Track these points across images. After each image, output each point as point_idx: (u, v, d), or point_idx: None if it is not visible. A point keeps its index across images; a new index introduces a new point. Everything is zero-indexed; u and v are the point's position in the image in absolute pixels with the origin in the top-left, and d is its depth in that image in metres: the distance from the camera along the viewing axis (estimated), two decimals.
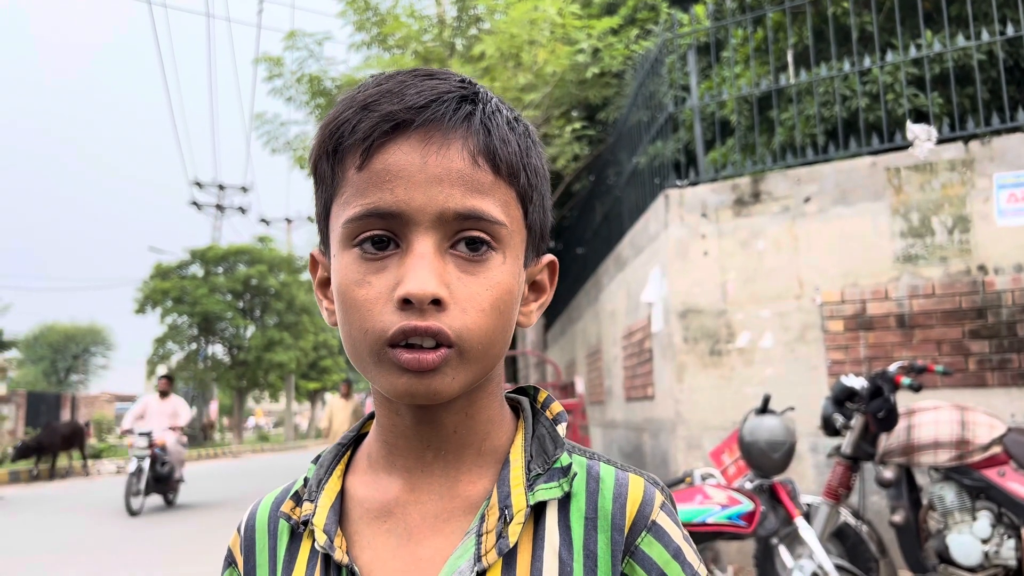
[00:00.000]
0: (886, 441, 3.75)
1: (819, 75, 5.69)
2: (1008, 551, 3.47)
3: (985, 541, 3.52)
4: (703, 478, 3.88)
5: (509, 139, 0.66)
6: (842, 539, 4.01)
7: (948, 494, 3.64)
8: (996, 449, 3.55)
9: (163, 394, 11.38)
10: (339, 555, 0.66)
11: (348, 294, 0.63)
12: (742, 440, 3.64)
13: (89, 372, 52.23)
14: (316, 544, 0.67)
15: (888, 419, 3.56)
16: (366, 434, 0.76)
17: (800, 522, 3.40)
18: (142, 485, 10.26)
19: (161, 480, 10.64)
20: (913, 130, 5.09)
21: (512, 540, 0.63)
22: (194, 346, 30.85)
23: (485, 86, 0.70)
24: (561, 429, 0.71)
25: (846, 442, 3.68)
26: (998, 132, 5.03)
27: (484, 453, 0.70)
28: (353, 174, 0.64)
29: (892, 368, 3.75)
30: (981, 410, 3.71)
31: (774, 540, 3.56)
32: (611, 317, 8.02)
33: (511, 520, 0.64)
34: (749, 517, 3.28)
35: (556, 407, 0.74)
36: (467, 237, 0.63)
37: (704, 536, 3.29)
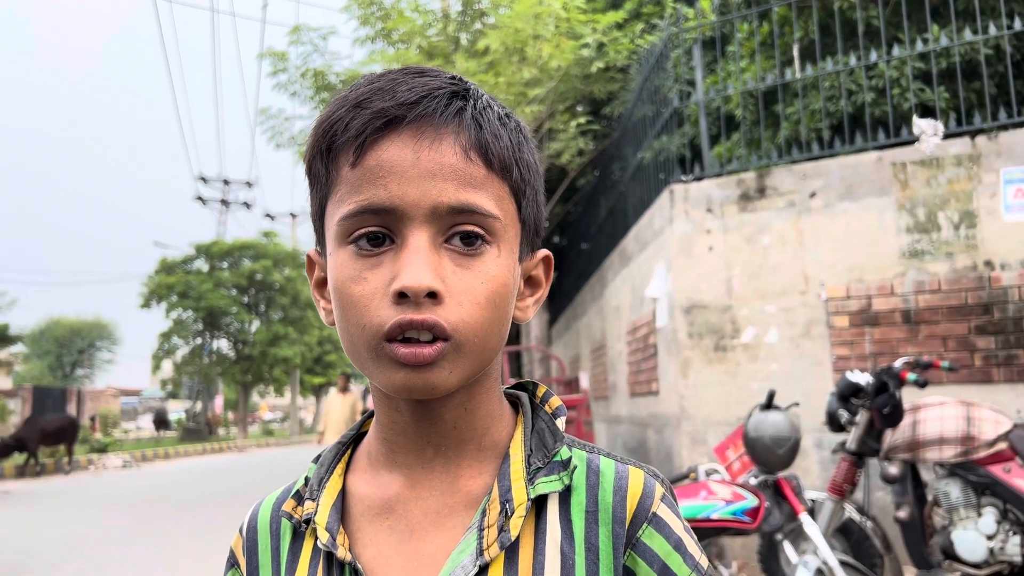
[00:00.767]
0: (891, 437, 3.74)
1: (825, 69, 5.67)
2: (1013, 547, 3.46)
3: (990, 537, 3.51)
4: (707, 474, 3.88)
5: (501, 134, 0.67)
6: (847, 535, 4.00)
7: (953, 490, 3.63)
8: (1002, 445, 3.54)
9: None
10: (342, 553, 0.66)
11: (344, 291, 0.64)
12: (747, 436, 3.63)
13: (95, 366, 52.41)
14: (319, 542, 0.67)
15: (893, 415, 3.55)
16: (366, 432, 0.77)
17: (804, 518, 3.39)
18: None
19: None
20: (919, 125, 5.07)
21: (514, 534, 0.64)
22: (199, 341, 30.94)
23: (476, 83, 0.70)
24: (560, 423, 0.72)
25: (851, 438, 3.68)
26: (1005, 127, 5.01)
27: (484, 448, 0.70)
28: (347, 172, 0.65)
29: (897, 364, 3.74)
30: (987, 406, 3.70)
31: (778, 536, 3.56)
32: (615, 312, 8.01)
33: (512, 514, 0.64)
34: (753, 513, 3.27)
35: (555, 401, 0.74)
36: (461, 231, 0.64)
37: (708, 532, 3.28)
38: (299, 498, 0.72)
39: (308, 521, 0.69)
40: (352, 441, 0.77)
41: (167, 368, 35.71)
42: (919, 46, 5.36)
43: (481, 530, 0.65)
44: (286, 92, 10.77)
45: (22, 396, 34.26)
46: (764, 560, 4.01)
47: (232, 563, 0.77)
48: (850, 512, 3.95)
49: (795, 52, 6.07)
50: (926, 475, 3.93)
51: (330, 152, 0.66)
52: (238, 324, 31.50)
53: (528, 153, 0.70)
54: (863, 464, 3.72)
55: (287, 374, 33.50)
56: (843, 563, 3.24)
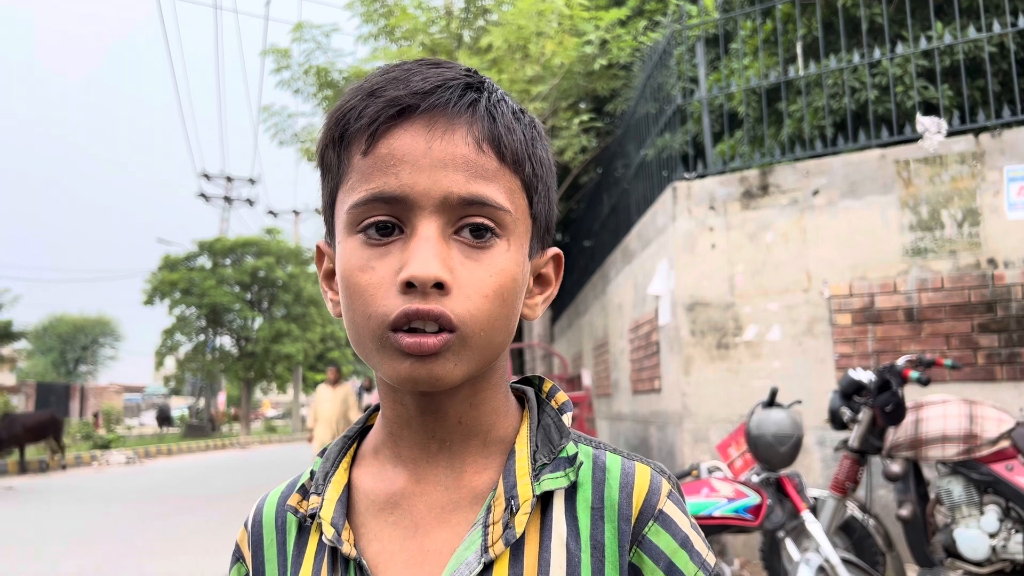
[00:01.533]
0: (894, 435, 3.74)
1: (828, 67, 5.66)
2: (1016, 545, 3.46)
3: (993, 535, 3.51)
4: (709, 471, 3.88)
5: (514, 127, 0.66)
6: (849, 533, 4.00)
7: (956, 488, 3.62)
8: (1004, 443, 3.54)
9: None
10: (347, 548, 0.66)
11: (351, 279, 0.63)
12: (749, 433, 3.63)
13: (98, 363, 52.54)
14: (324, 537, 0.67)
15: (896, 413, 3.55)
16: (371, 427, 0.76)
17: (807, 515, 3.39)
18: None
19: None
20: (923, 122, 5.06)
21: (519, 531, 0.63)
22: (202, 337, 30.98)
23: (492, 79, 0.69)
24: (566, 419, 0.71)
25: (853, 436, 3.67)
26: (1009, 125, 5.00)
27: (489, 443, 0.69)
28: (359, 160, 0.64)
29: (900, 362, 3.74)
30: (989, 404, 3.70)
31: (780, 533, 3.56)
32: (618, 310, 8.01)
33: (517, 510, 0.64)
34: (756, 510, 3.27)
35: (561, 397, 0.73)
36: (471, 223, 0.63)
37: (710, 529, 3.29)
38: (304, 492, 0.71)
39: (313, 516, 0.69)
40: (358, 435, 0.76)
41: (170, 365, 35.75)
42: (923, 43, 5.35)
43: (486, 527, 0.64)
44: (289, 89, 10.78)
45: (25, 392, 34.37)
46: (766, 558, 4.02)
47: (238, 557, 0.76)
48: (852, 510, 3.95)
49: (798, 49, 6.06)
50: (928, 473, 3.93)
51: (343, 140, 0.66)
52: (241, 321, 31.53)
53: (542, 150, 0.70)
54: (865, 462, 3.72)
55: (290, 371, 33.52)
56: (845, 561, 3.24)
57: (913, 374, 3.58)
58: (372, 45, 10.27)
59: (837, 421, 3.76)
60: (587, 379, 8.14)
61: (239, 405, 36.85)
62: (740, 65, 6.36)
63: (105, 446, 20.68)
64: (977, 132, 5.01)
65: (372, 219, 0.63)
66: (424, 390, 0.64)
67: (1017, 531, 3.48)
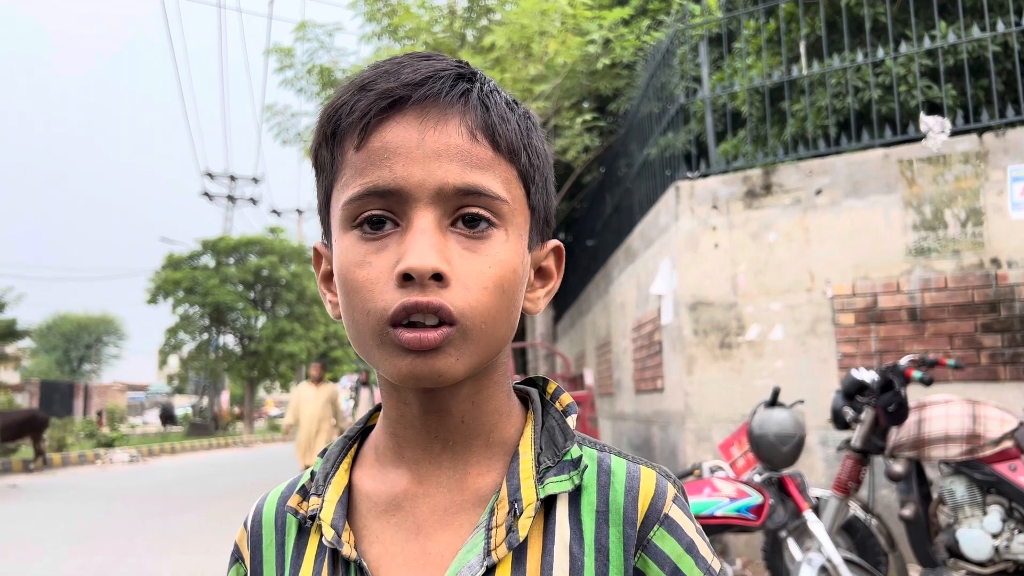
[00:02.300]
0: (896, 435, 3.73)
1: (832, 66, 5.65)
2: (1018, 546, 3.46)
3: (995, 536, 3.50)
4: (712, 471, 3.88)
5: (508, 117, 0.65)
6: (851, 532, 4.00)
7: (958, 488, 3.62)
8: (1007, 443, 3.53)
9: None
10: (347, 550, 0.65)
11: (348, 276, 0.62)
12: (751, 433, 3.63)
13: (101, 361, 52.64)
14: (324, 539, 0.66)
15: (899, 413, 3.54)
16: (372, 427, 0.75)
17: (809, 515, 3.39)
18: None
19: None
20: (926, 122, 5.05)
21: (522, 534, 0.62)
22: (205, 336, 30.98)
23: (484, 72, 0.69)
24: (571, 421, 0.70)
25: (856, 435, 3.67)
26: (1012, 124, 4.99)
27: (492, 445, 0.68)
28: (352, 155, 0.63)
29: (903, 362, 3.73)
30: (993, 404, 3.69)
31: (783, 533, 3.55)
32: (621, 309, 8.01)
33: (521, 514, 0.63)
34: (758, 510, 3.27)
35: (566, 398, 0.72)
36: (467, 214, 0.62)
37: (713, 529, 3.28)
38: (304, 493, 0.70)
39: (313, 517, 0.68)
40: (359, 436, 0.75)
41: (173, 363, 35.79)
42: (926, 43, 5.34)
43: (489, 530, 0.63)
44: (292, 88, 10.80)
45: (30, 391, 34.45)
46: (768, 557, 4.01)
47: (236, 558, 0.76)
48: (855, 510, 3.94)
49: (802, 49, 6.06)
50: (931, 473, 3.92)
51: (335, 137, 0.65)
52: (244, 320, 31.53)
53: (537, 140, 0.69)
54: (868, 462, 3.71)
55: (293, 370, 33.51)
56: (847, 561, 3.23)
57: (916, 374, 3.58)
58: (375, 44, 10.29)
59: (840, 421, 3.76)
60: (589, 378, 8.13)
61: (242, 404, 36.88)
62: (743, 64, 6.35)
63: (109, 444, 20.71)
64: (981, 132, 5.00)
65: (367, 214, 0.62)
66: (426, 386, 0.63)
67: (1020, 531, 3.48)
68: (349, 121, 0.63)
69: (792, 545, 3.50)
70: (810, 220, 5.31)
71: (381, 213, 0.62)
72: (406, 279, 0.59)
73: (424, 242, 0.60)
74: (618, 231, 8.45)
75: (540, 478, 0.65)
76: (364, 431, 0.76)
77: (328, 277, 0.71)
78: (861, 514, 3.95)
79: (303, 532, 0.70)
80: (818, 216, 5.29)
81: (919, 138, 5.13)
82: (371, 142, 0.62)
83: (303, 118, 11.33)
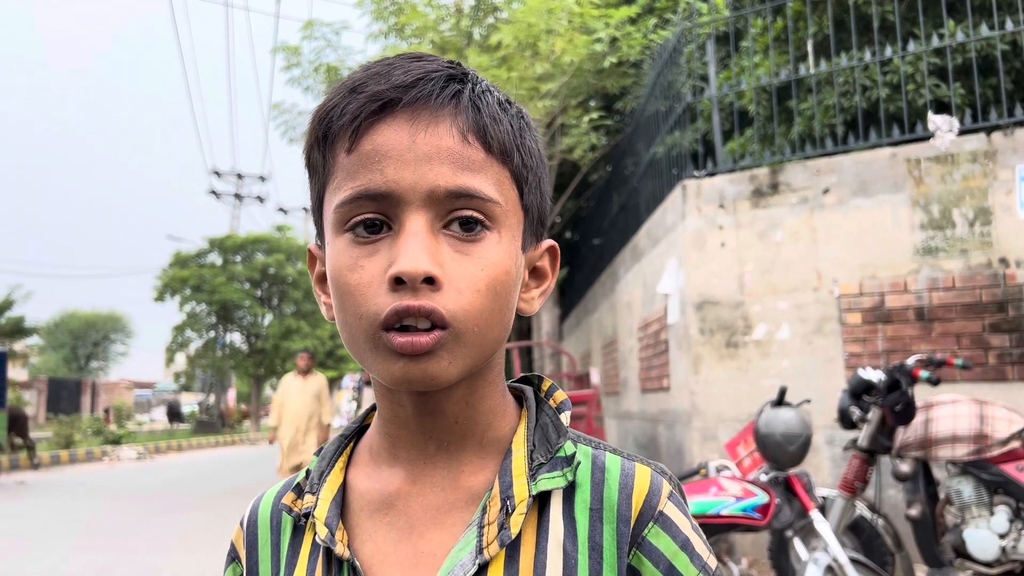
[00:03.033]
0: (903, 435, 3.72)
1: (839, 65, 5.63)
2: None
3: (1002, 536, 3.49)
4: (718, 470, 3.88)
5: (500, 118, 0.65)
6: (857, 532, 3.99)
7: (965, 488, 3.61)
8: (1015, 444, 3.52)
9: None
10: (340, 549, 0.65)
11: (341, 279, 0.62)
12: (758, 432, 3.62)
13: (109, 359, 52.82)
14: (317, 537, 0.66)
15: (905, 413, 3.53)
16: (368, 426, 0.75)
17: (815, 515, 3.38)
18: None
19: None
20: (934, 121, 5.03)
21: (514, 531, 0.62)
22: (212, 334, 31.09)
23: (488, 78, 0.68)
24: (565, 418, 0.70)
25: (863, 435, 3.66)
26: (1021, 123, 4.97)
27: (486, 444, 0.68)
28: (343, 158, 0.63)
29: (910, 361, 3.72)
30: (1000, 404, 3.68)
31: (789, 533, 3.55)
32: (627, 308, 8.00)
33: (513, 511, 0.63)
34: (764, 509, 3.27)
35: (560, 395, 0.72)
36: (460, 217, 0.62)
37: (718, 528, 3.28)
38: (299, 491, 0.70)
39: (308, 515, 0.68)
40: (355, 435, 0.75)
41: (180, 361, 35.87)
42: (935, 41, 5.32)
43: (481, 527, 0.63)
44: (299, 87, 10.83)
45: (37, 388, 34.59)
46: (774, 557, 4.00)
47: (233, 556, 0.75)
48: (861, 509, 3.93)
49: (809, 47, 6.04)
50: (938, 473, 3.91)
51: (327, 139, 0.65)
52: (251, 318, 31.62)
53: (530, 139, 0.68)
54: (875, 461, 3.70)
55: None
56: (854, 561, 3.23)
57: (923, 374, 3.57)
58: (382, 43, 10.30)
59: (846, 420, 3.75)
60: (595, 377, 8.12)
61: (249, 401, 36.99)
62: (750, 63, 6.33)
63: (116, 442, 20.80)
64: (989, 131, 4.98)
65: (359, 217, 0.62)
66: (419, 390, 0.62)
67: None
68: (340, 124, 0.63)
69: (798, 545, 3.50)
70: (817, 219, 5.30)
71: (373, 216, 0.62)
72: (398, 283, 0.59)
73: (416, 245, 0.59)
74: (624, 230, 8.44)
75: (533, 475, 0.65)
76: (360, 430, 0.76)
77: (322, 279, 0.71)
78: (867, 514, 3.94)
79: (298, 531, 0.70)
80: (825, 215, 5.27)
81: (927, 137, 5.11)
82: (362, 145, 0.62)
83: (310, 116, 11.38)
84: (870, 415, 3.65)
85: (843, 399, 3.77)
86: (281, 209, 35.60)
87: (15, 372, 32.60)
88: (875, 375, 3.68)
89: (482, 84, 0.66)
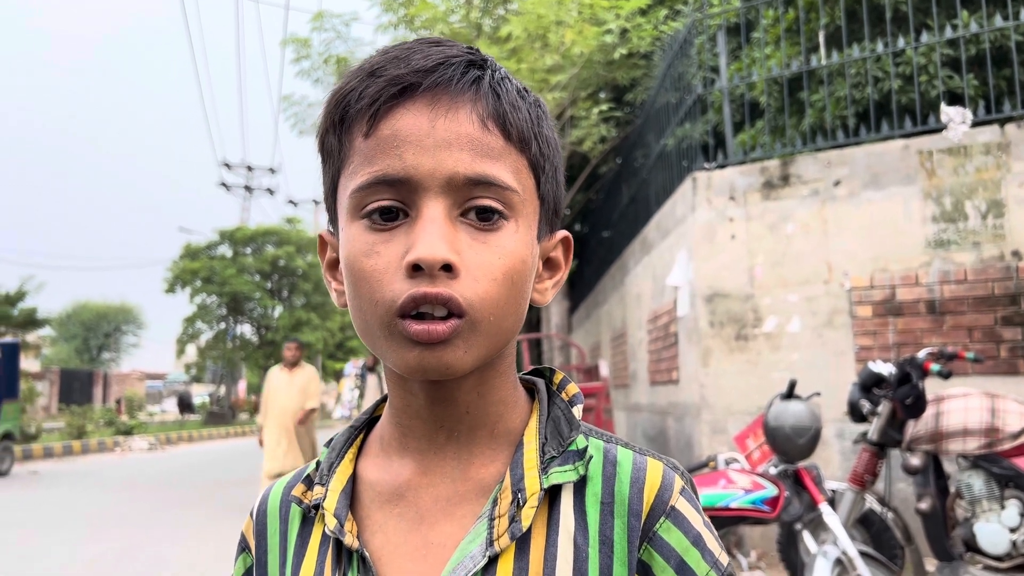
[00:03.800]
0: (913, 428, 3.71)
1: (851, 56, 5.60)
2: None
3: (1013, 530, 3.48)
4: (727, 463, 3.87)
5: (519, 105, 0.64)
6: (867, 526, 3.98)
7: (976, 482, 3.59)
8: None
9: None
10: (349, 540, 0.64)
11: (356, 265, 0.61)
12: (767, 425, 3.62)
13: (120, 350, 53.09)
14: (326, 528, 0.66)
15: (916, 406, 3.52)
16: (379, 417, 0.75)
17: (824, 508, 3.38)
18: None
19: None
20: (947, 112, 5.00)
21: (525, 524, 0.62)
22: (223, 325, 31.21)
23: (496, 60, 0.68)
24: (577, 411, 0.69)
25: (873, 428, 3.65)
26: None
27: (497, 435, 0.68)
28: (360, 142, 0.63)
29: (921, 354, 3.70)
30: (1012, 398, 3.66)
31: (798, 525, 3.54)
32: (636, 300, 7.99)
33: (524, 504, 0.62)
34: (773, 502, 3.26)
35: (572, 388, 0.71)
36: (478, 205, 0.61)
37: (727, 520, 3.28)
38: (309, 482, 0.70)
39: (317, 506, 0.68)
40: (365, 425, 0.75)
41: (191, 352, 36.08)
42: (948, 32, 5.28)
43: (492, 520, 0.62)
44: (309, 79, 10.83)
45: (50, 379, 34.84)
46: (783, 550, 4.00)
47: (243, 547, 0.75)
48: (871, 503, 3.92)
49: (821, 38, 6.00)
50: (948, 467, 3.89)
51: (343, 123, 0.64)
52: (261, 309, 31.73)
53: (548, 128, 0.68)
54: (885, 455, 3.69)
55: (309, 359, 33.71)
56: (863, 554, 3.22)
57: (934, 367, 3.55)
58: (392, 34, 10.28)
59: (856, 413, 3.74)
60: (605, 370, 8.12)
61: (259, 393, 37.18)
62: (761, 54, 6.30)
63: (127, 432, 20.93)
64: (1003, 122, 4.94)
65: (376, 203, 0.61)
66: (434, 379, 0.62)
67: None
68: (358, 107, 0.62)
69: (807, 538, 3.50)
70: (828, 211, 5.27)
71: (391, 203, 0.61)
72: (415, 269, 0.58)
73: (434, 232, 0.59)
74: (634, 222, 8.43)
75: (544, 468, 0.64)
76: (371, 421, 0.76)
77: (334, 265, 0.71)
78: (877, 507, 3.93)
79: (307, 522, 0.70)
80: (836, 207, 5.25)
81: (939, 129, 5.08)
82: (381, 129, 0.61)
83: (320, 108, 11.37)
84: (880, 408, 3.64)
85: (853, 392, 3.75)
86: (291, 201, 35.68)
87: (28, 363, 32.83)
88: (886, 368, 3.66)
89: (501, 71, 0.66)
